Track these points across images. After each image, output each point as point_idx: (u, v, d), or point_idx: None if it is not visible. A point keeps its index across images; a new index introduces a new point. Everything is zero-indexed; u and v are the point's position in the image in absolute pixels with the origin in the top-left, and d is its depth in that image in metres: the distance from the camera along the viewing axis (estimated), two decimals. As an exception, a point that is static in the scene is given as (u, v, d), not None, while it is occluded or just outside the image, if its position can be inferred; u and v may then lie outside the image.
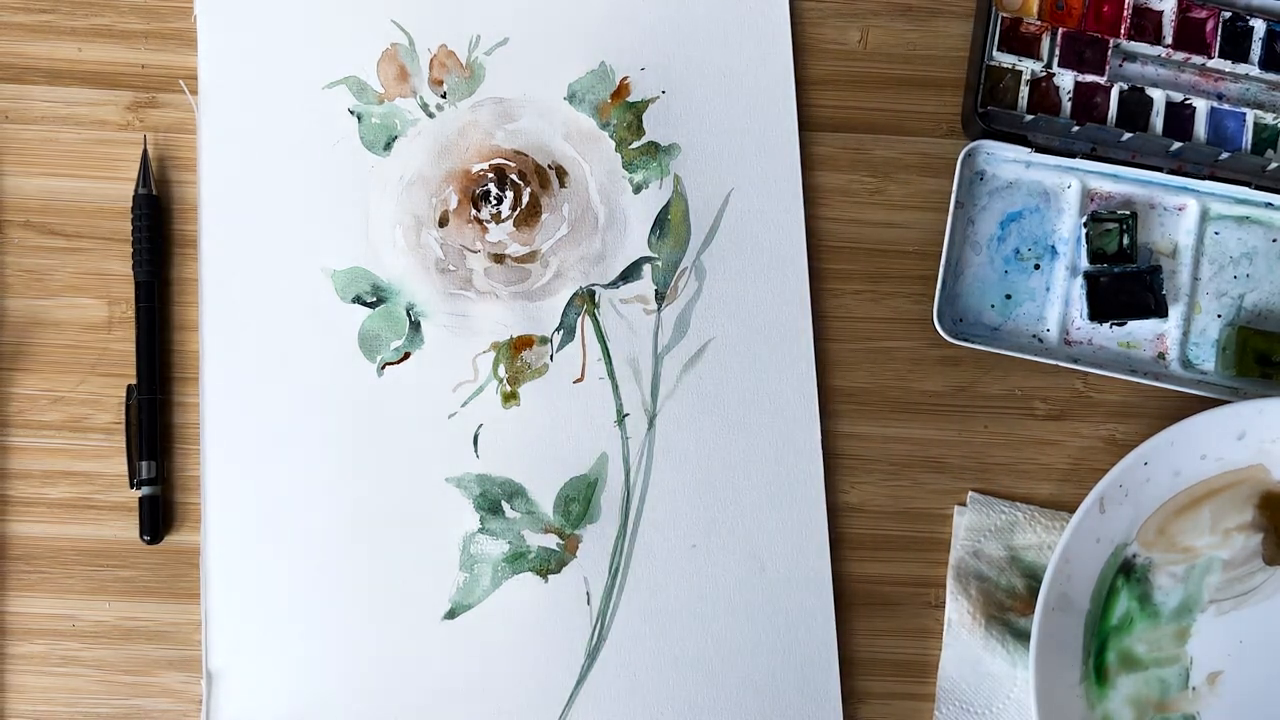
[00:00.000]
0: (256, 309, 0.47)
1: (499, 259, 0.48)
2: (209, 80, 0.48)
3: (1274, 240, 0.51)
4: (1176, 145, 0.50)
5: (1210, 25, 0.51)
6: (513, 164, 0.49)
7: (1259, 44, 0.51)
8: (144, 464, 0.46)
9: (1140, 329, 0.50)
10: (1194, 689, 0.48)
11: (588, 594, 0.47)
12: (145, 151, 0.48)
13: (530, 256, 0.48)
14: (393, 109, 0.49)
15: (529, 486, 0.47)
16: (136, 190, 0.47)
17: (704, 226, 0.49)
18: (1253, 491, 0.49)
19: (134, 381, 0.47)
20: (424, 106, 0.49)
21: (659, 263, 0.49)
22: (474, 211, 0.48)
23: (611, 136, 0.49)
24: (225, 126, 0.48)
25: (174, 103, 0.48)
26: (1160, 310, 0.49)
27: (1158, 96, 0.51)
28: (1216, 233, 0.51)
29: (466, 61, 0.49)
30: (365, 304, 0.48)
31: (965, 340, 0.49)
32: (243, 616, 0.46)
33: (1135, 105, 0.51)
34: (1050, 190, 0.50)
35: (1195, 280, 0.50)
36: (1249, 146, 0.51)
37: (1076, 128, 0.50)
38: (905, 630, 0.48)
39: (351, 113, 0.48)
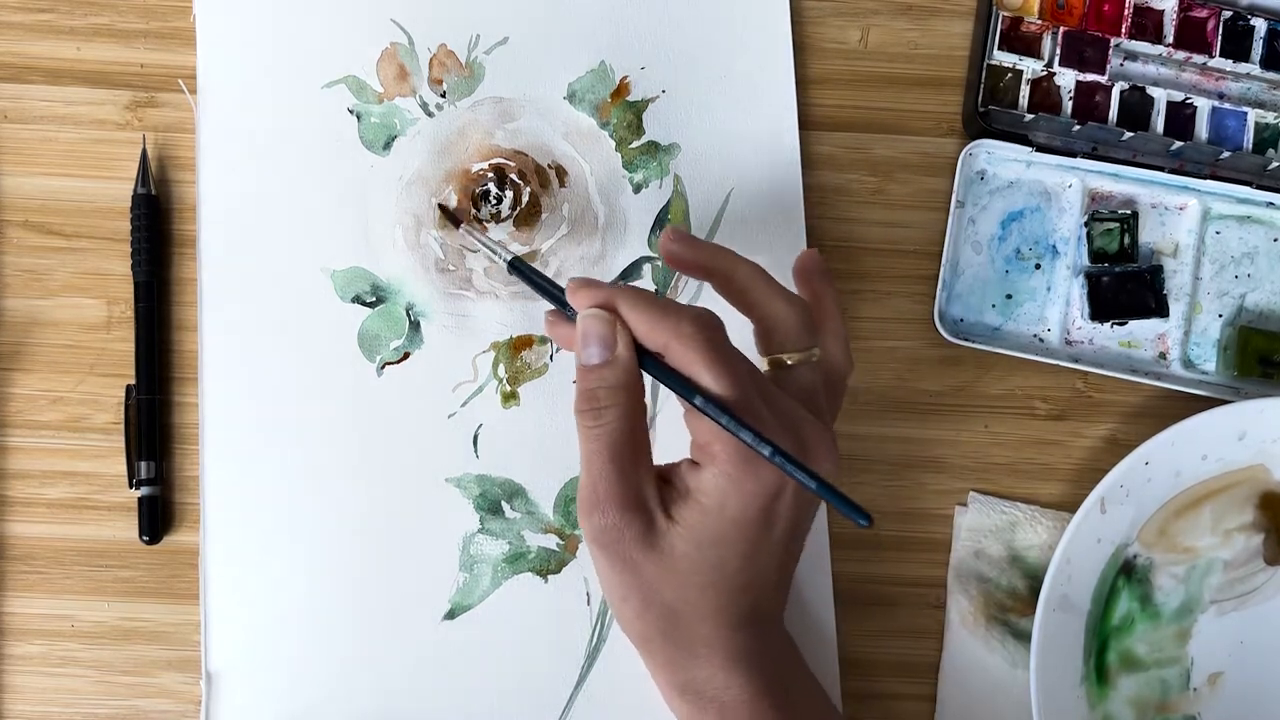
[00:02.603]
0: (256, 309, 0.47)
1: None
2: (208, 79, 0.48)
3: (1275, 240, 0.51)
4: (1177, 145, 0.50)
5: (1211, 24, 0.51)
6: (512, 163, 0.48)
7: (1260, 43, 0.51)
8: (143, 464, 0.46)
9: (1141, 329, 0.50)
10: (1195, 690, 0.48)
11: (588, 594, 0.47)
12: (144, 151, 0.48)
13: (530, 256, 0.48)
14: (392, 108, 0.49)
15: (529, 486, 0.47)
16: (135, 190, 0.47)
17: (704, 226, 0.49)
18: (1253, 492, 0.49)
19: (133, 381, 0.46)
20: (424, 106, 0.49)
21: (659, 262, 0.49)
22: (474, 211, 0.48)
23: (611, 136, 0.49)
24: (224, 126, 0.48)
25: (173, 102, 0.48)
26: (1161, 310, 0.49)
27: (1159, 96, 0.51)
28: (1218, 232, 0.50)
29: (466, 61, 0.49)
30: (365, 304, 0.48)
31: (966, 340, 0.49)
32: (242, 617, 0.46)
33: (1136, 105, 0.51)
34: (1051, 190, 0.50)
35: (1196, 280, 0.50)
36: (1250, 146, 0.51)
37: (1077, 127, 0.50)
38: (905, 630, 0.48)
39: (351, 112, 0.48)
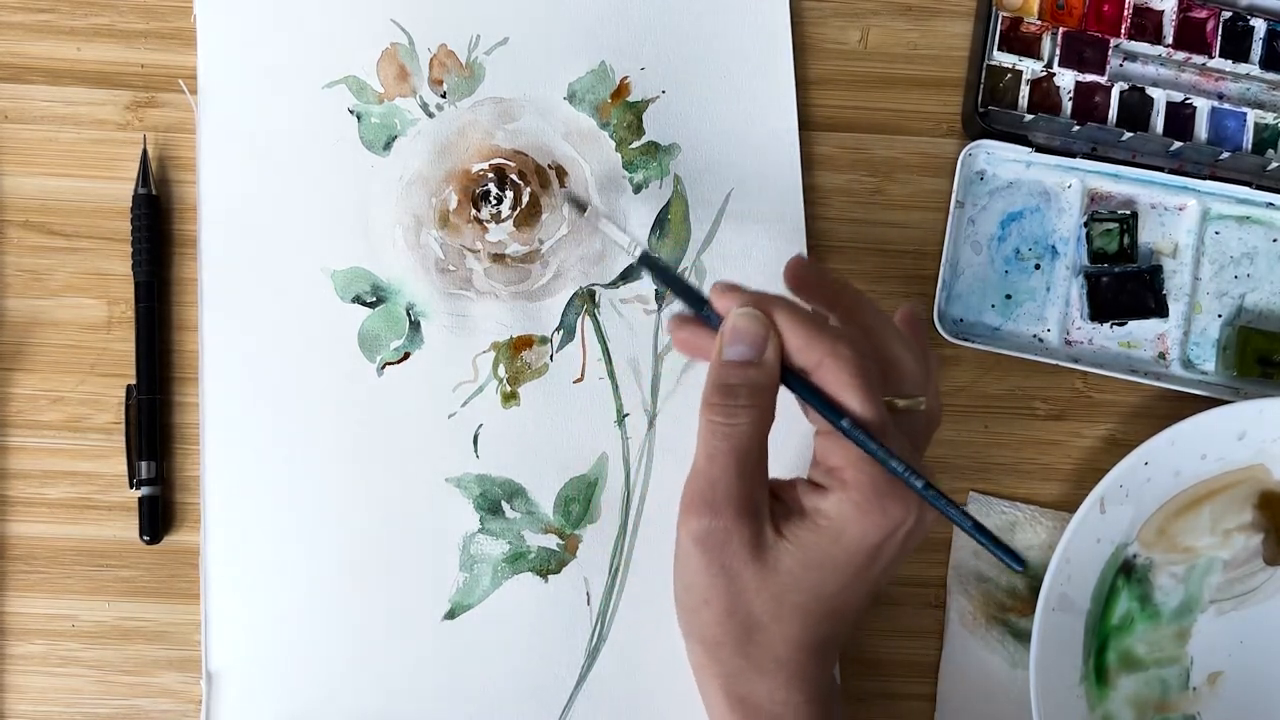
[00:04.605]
0: (256, 309, 0.47)
1: (499, 259, 0.48)
2: (208, 80, 0.48)
3: (1274, 240, 0.51)
4: (1177, 145, 0.50)
5: (1210, 25, 0.51)
6: (512, 164, 0.48)
7: (1259, 44, 0.51)
8: (143, 464, 0.46)
9: (1141, 329, 0.50)
10: (1194, 689, 0.48)
11: (588, 594, 0.47)
12: (145, 151, 0.48)
13: (530, 256, 0.48)
14: (392, 108, 0.49)
15: (529, 486, 0.47)
16: (136, 190, 0.47)
17: (704, 226, 0.49)
18: (1253, 491, 0.49)
19: (133, 381, 0.47)
20: (424, 106, 0.49)
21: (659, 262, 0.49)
22: (474, 211, 0.48)
23: (611, 136, 0.49)
24: (225, 126, 0.48)
25: (174, 102, 0.48)
26: (1161, 310, 0.49)
27: (1158, 96, 0.51)
28: (1217, 232, 0.50)
29: (466, 61, 0.49)
30: (365, 304, 0.48)
31: (965, 340, 0.49)
32: (242, 616, 0.46)
33: (1136, 105, 0.51)
34: (1050, 190, 0.50)
35: (1196, 280, 0.50)
36: (1249, 146, 0.51)
37: (1077, 127, 0.50)
38: (905, 630, 0.48)
39: (351, 112, 0.48)
